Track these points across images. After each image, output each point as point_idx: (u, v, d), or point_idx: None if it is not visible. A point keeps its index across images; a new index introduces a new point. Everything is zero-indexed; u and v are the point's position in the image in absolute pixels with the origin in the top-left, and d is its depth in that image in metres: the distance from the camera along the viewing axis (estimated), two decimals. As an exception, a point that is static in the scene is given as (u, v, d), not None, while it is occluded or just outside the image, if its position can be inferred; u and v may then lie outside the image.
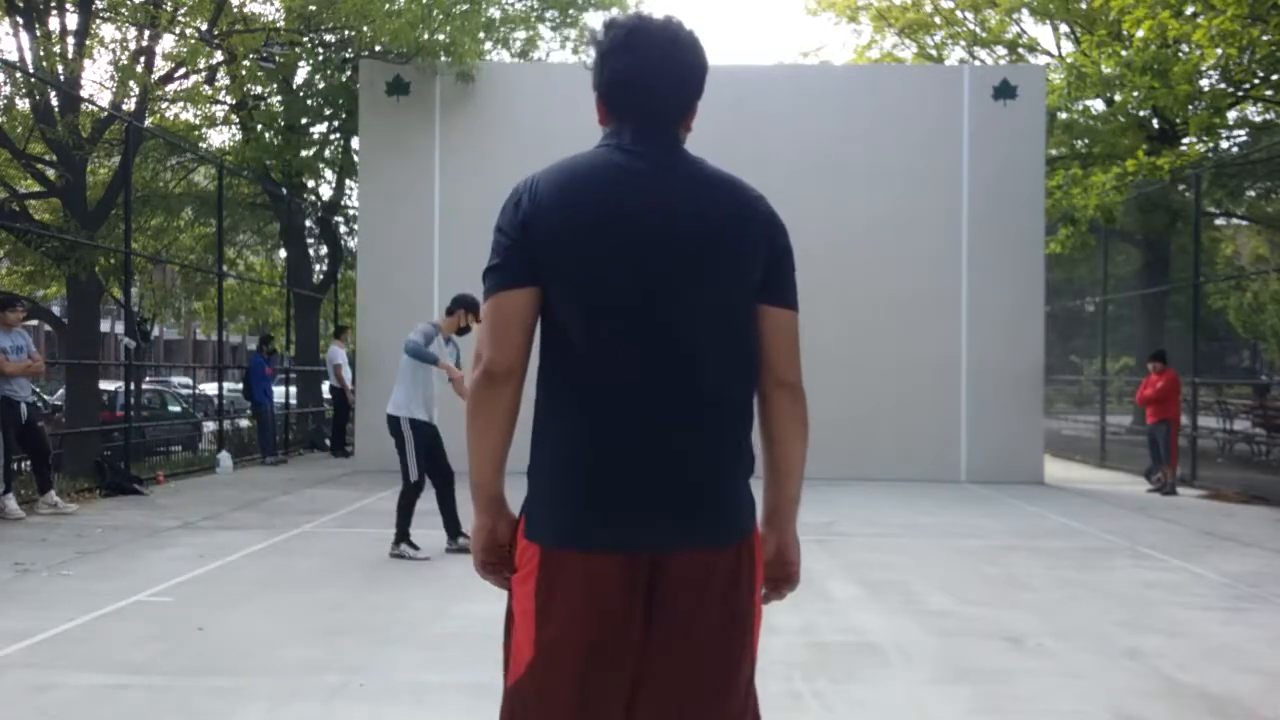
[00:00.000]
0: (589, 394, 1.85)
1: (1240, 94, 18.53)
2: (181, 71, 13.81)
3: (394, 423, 7.26)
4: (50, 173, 13.22)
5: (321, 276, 20.86)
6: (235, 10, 14.24)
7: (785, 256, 1.98)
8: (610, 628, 1.80)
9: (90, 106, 12.77)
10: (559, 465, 1.87)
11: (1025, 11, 21.68)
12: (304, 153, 17.80)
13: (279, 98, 17.21)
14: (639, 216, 1.85)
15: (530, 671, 1.85)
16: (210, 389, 20.17)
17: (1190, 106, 17.36)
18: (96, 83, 18.82)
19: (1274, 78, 17.88)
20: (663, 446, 1.84)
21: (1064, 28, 22.03)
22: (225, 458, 13.36)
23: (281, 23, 14.45)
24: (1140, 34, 16.46)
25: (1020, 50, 22.29)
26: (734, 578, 1.87)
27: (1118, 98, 18.35)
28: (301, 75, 17.18)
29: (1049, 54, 22.44)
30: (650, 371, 1.84)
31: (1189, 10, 15.93)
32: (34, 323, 17.70)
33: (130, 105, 12.91)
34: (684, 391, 1.85)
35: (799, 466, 2.00)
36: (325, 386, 18.02)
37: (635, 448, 1.83)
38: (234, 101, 16.64)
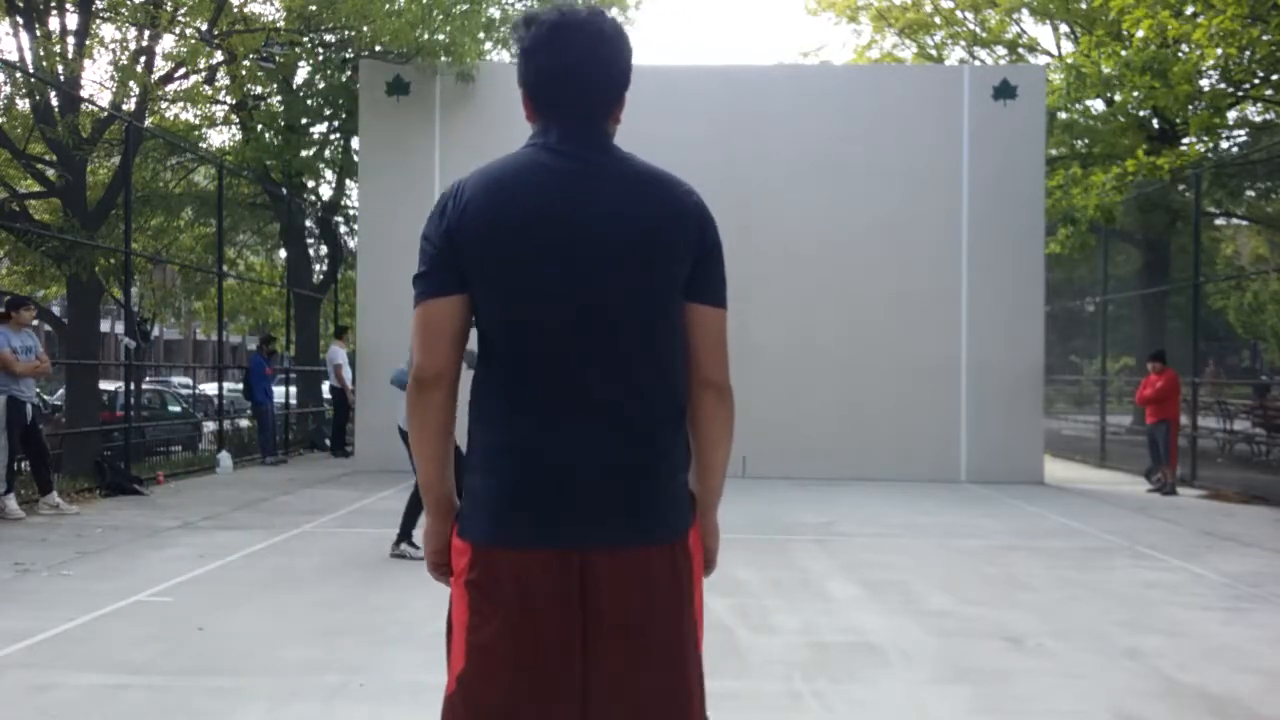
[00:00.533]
0: (518, 394, 1.86)
1: (1240, 94, 18.53)
2: (181, 71, 13.81)
3: (404, 434, 7.34)
4: (50, 173, 13.23)
5: (321, 276, 20.86)
6: (235, 10, 14.24)
7: (715, 252, 1.95)
8: (545, 625, 1.79)
9: (90, 106, 12.77)
10: (490, 465, 1.87)
11: (1025, 11, 21.68)
12: (304, 153, 17.81)
13: (279, 98, 17.22)
14: (566, 217, 1.85)
15: (462, 679, 1.85)
16: (210, 389, 20.17)
17: (1190, 106, 17.36)
18: (96, 83, 18.89)
19: (1274, 78, 17.88)
20: (592, 445, 1.83)
21: (1064, 28, 22.04)
22: (225, 458, 13.36)
23: (281, 23, 14.45)
24: (1140, 34, 16.46)
25: (1020, 50, 22.29)
26: (671, 575, 1.86)
27: (1118, 98, 18.34)
28: (301, 75, 17.19)
29: (1049, 54, 22.46)
30: (580, 372, 1.84)
31: (1189, 10, 15.93)
32: (34, 322, 17.70)
33: (130, 105, 12.92)
34: (614, 391, 1.85)
35: (722, 463, 2.01)
36: (325, 386, 18.03)
37: (564, 446, 1.83)
38: (234, 101, 16.65)
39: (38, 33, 12.25)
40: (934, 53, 23.34)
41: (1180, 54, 16.75)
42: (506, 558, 1.82)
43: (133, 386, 13.87)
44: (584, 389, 1.84)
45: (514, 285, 1.84)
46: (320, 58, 16.41)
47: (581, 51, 1.90)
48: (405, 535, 7.25)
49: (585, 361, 1.84)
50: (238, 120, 17.71)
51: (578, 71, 1.90)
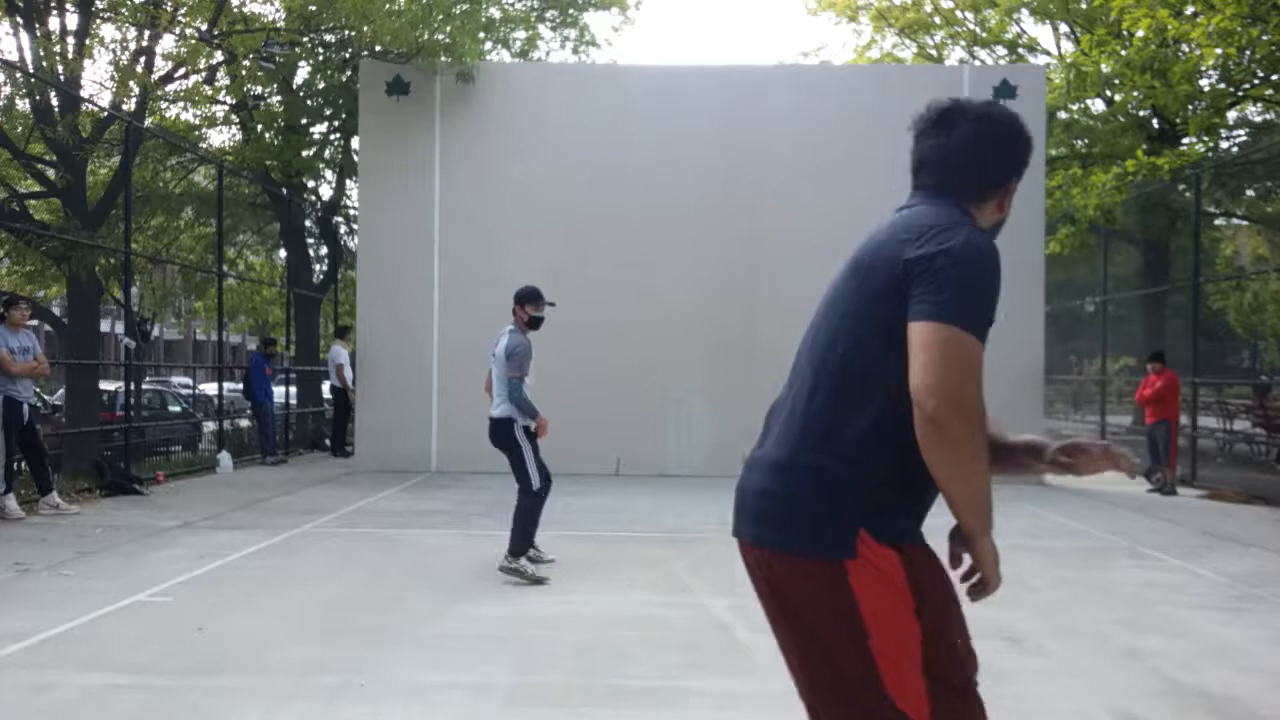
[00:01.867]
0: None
1: (1240, 94, 18.52)
2: (181, 71, 13.81)
3: (504, 427, 6.62)
4: (50, 173, 13.23)
5: (321, 276, 20.86)
6: (235, 10, 14.24)
7: (922, 269, 1.97)
8: (761, 598, 2.12)
9: (90, 106, 12.77)
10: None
11: (1025, 11, 21.67)
12: (304, 153, 17.80)
13: (279, 98, 17.21)
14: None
15: None
16: (210, 389, 20.18)
17: (1190, 106, 17.35)
18: (96, 83, 18.88)
19: (1274, 78, 17.86)
20: (772, 461, 2.06)
21: (1064, 28, 22.03)
22: (225, 458, 13.36)
23: (281, 23, 14.45)
24: (1140, 33, 16.45)
25: (1020, 50, 22.28)
26: (821, 594, 1.95)
27: (1118, 97, 18.34)
28: (301, 75, 17.19)
29: (1049, 54, 22.44)
30: (788, 395, 2.12)
31: (1189, 10, 15.92)
32: (34, 322, 17.70)
33: (130, 105, 12.91)
34: (796, 412, 2.05)
35: (958, 495, 1.98)
36: (326, 386, 18.04)
37: (754, 463, 2.12)
38: (234, 101, 16.64)
39: (38, 33, 12.24)
40: (934, 53, 23.33)
41: (1180, 54, 16.74)
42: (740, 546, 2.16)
43: (133, 386, 13.87)
44: (785, 409, 2.10)
45: None
46: (320, 58, 16.41)
47: (943, 135, 2.16)
48: (523, 549, 6.55)
49: (791, 389, 2.12)
50: (238, 120, 17.71)
51: (931, 154, 2.18)
